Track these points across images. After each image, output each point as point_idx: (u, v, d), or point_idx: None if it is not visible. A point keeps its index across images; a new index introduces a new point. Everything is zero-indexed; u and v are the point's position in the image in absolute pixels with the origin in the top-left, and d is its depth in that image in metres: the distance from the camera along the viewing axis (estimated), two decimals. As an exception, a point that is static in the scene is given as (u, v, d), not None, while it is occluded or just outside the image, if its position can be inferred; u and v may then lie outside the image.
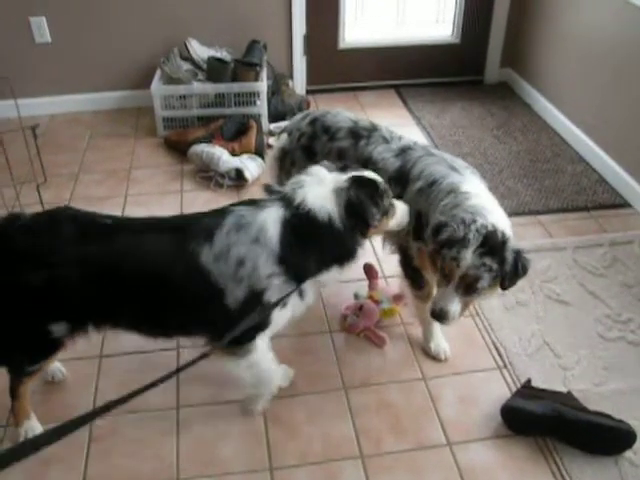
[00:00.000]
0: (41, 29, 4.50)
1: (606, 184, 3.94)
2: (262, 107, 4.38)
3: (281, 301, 2.05)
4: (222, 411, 2.45)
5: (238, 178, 3.87)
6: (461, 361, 2.77)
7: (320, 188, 2.06)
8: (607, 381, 2.66)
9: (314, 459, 2.30)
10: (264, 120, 4.40)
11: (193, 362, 1.82)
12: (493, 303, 3.04)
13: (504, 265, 2.11)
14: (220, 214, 2.06)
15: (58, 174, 4.01)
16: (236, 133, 4.21)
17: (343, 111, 2.81)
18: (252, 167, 3.93)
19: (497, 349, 2.83)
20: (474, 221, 2.11)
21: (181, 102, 4.36)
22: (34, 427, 2.33)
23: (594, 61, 4.08)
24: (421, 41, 5.06)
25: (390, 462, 2.32)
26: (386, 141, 2.58)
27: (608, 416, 2.41)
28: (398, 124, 4.46)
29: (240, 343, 2.12)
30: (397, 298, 2.97)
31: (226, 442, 2.36)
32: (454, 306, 2.17)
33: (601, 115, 4.05)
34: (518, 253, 2.15)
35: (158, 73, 4.48)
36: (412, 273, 2.62)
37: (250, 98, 4.34)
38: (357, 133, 2.63)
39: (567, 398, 2.48)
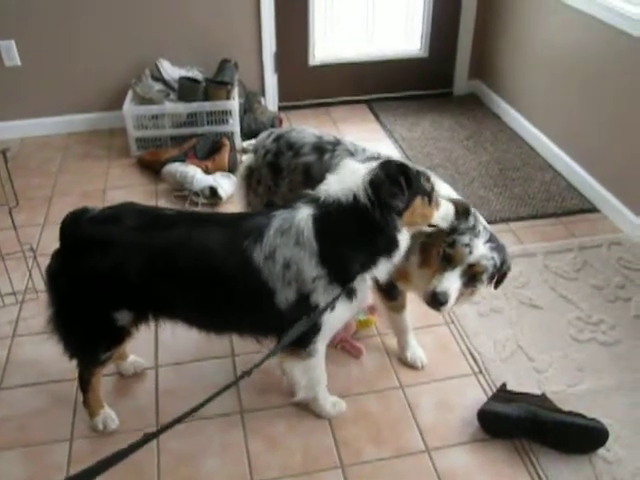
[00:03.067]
0: (10, 52, 4.52)
1: (574, 190, 4.04)
2: (234, 125, 4.44)
3: (328, 307, 2.08)
4: (201, 426, 2.48)
5: (212, 196, 3.93)
6: (437, 368, 2.83)
7: (347, 176, 2.08)
8: (580, 382, 2.73)
9: (295, 471, 2.33)
10: (237, 138, 4.46)
11: (261, 363, 1.89)
12: (467, 310, 3.11)
13: (504, 264, 2.27)
14: (265, 216, 2.12)
15: (31, 197, 4.02)
16: (209, 151, 4.27)
17: (307, 127, 2.87)
18: (226, 185, 3.99)
19: (472, 355, 2.90)
20: (479, 221, 2.27)
21: (154, 122, 4.41)
22: (110, 415, 2.47)
23: (561, 72, 4.19)
24: (390, 56, 5.17)
25: (370, 470, 2.36)
26: (351, 154, 2.62)
27: (581, 415, 2.48)
28: (371, 138, 4.56)
29: (301, 346, 2.19)
30: (373, 309, 3.03)
31: (206, 456, 2.38)
32: (455, 290, 2.22)
33: (569, 124, 4.15)
34: (508, 253, 2.35)
35: (130, 94, 4.52)
36: (385, 285, 2.62)
37: (222, 116, 4.41)
38: (321, 147, 2.68)
39: (542, 400, 2.54)
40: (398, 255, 2.12)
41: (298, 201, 2.13)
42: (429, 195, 2.12)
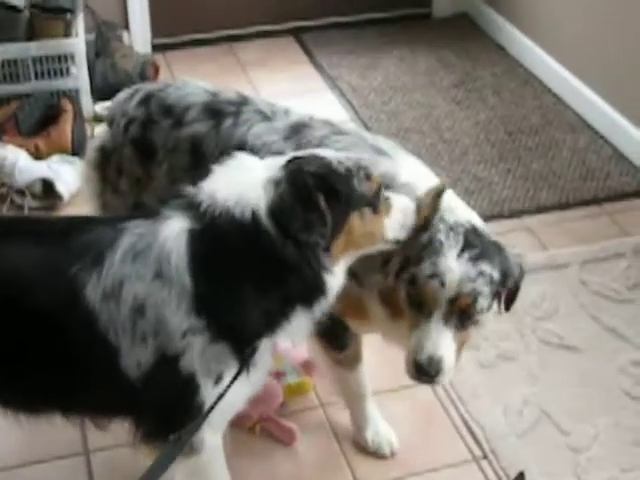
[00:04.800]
0: None
1: (625, 162, 4.16)
2: (80, 78, 4.43)
3: (221, 397, 2.13)
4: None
5: (46, 194, 3.93)
6: (417, 455, 2.89)
7: (241, 177, 2.14)
8: (641, 464, 2.85)
9: None
10: (85, 99, 4.44)
11: None
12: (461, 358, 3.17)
13: (507, 273, 2.32)
14: (110, 228, 2.14)
15: None
16: (40, 123, 4.25)
17: (193, 80, 2.91)
18: (68, 175, 3.99)
19: (471, 430, 2.96)
20: (441, 219, 2.30)
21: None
22: None
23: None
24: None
25: None
26: (266, 118, 2.67)
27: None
28: (301, 91, 4.61)
29: (180, 437, 2.16)
30: (309, 366, 3.08)
31: None
32: (448, 347, 2.27)
33: (616, 63, 4.27)
34: (517, 255, 2.39)
35: None
36: (329, 325, 2.56)
37: (59, 65, 4.39)
38: (218, 110, 2.71)
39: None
40: (325, 303, 2.17)
41: (165, 206, 2.16)
42: (373, 202, 2.18)
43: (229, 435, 2.85)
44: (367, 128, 4.32)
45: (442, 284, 2.21)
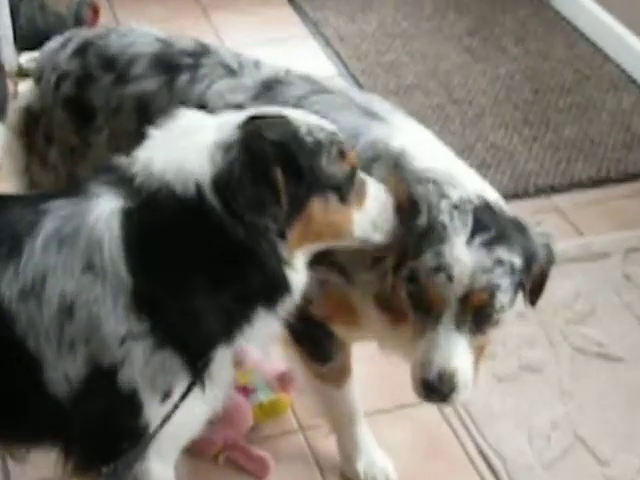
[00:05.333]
0: None
1: (680, 126, 4.15)
2: (1, 23, 4.37)
3: (169, 417, 2.09)
4: None
5: (-40, 168, 3.86)
6: None
7: (184, 142, 2.09)
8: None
9: None
10: (7, 49, 4.41)
11: None
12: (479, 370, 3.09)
13: (532, 258, 2.25)
14: (30, 210, 2.11)
15: None
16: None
17: (141, 26, 2.86)
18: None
19: (488, 461, 2.89)
20: (443, 195, 2.22)
21: None
22: None
23: None
24: None
25: None
26: (231, 72, 2.62)
27: None
28: (276, 38, 4.58)
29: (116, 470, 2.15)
30: (286, 380, 3.01)
31: None
32: (462, 357, 2.22)
33: None
34: (543, 234, 2.33)
35: None
36: (309, 331, 2.63)
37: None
38: (171, 63, 2.67)
39: None
40: (290, 302, 2.14)
41: (92, 181, 2.13)
42: (342, 188, 2.13)
43: (187, 466, 2.80)
44: (359, 85, 4.30)
45: (450, 278, 2.14)
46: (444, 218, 2.16)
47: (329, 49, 4.55)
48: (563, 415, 3.01)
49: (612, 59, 4.54)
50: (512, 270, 2.18)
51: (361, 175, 2.19)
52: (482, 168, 3.70)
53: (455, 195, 2.20)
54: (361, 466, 2.83)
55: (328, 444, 2.93)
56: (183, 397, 2.08)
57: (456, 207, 2.17)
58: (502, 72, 4.45)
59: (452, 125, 4.07)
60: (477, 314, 2.19)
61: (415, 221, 2.20)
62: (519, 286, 2.24)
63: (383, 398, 3.05)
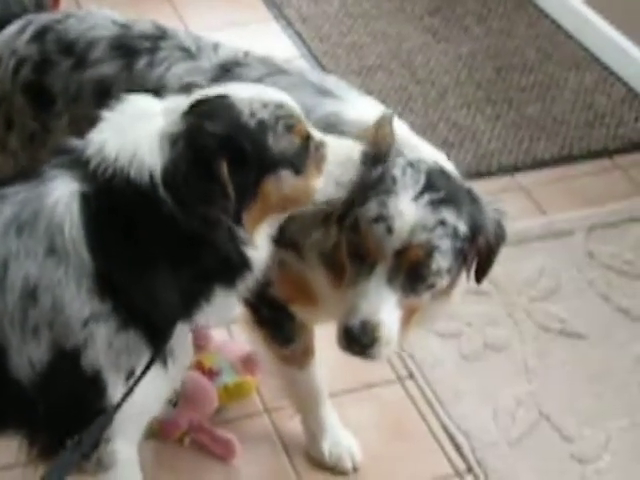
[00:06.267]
0: None
1: (640, 103, 4.18)
2: None
3: (130, 391, 2.09)
4: None
5: None
6: (385, 470, 2.85)
7: (135, 128, 2.09)
8: (661, 475, 2.80)
9: None
10: None
11: None
12: (437, 349, 3.12)
13: (479, 226, 2.25)
14: None
15: None
16: None
17: (101, 10, 2.85)
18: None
19: (453, 438, 2.91)
20: (400, 154, 2.27)
21: None
22: None
23: None
24: None
25: None
26: (190, 55, 2.62)
27: None
28: (238, 21, 4.57)
29: (85, 452, 2.15)
30: (250, 363, 3.02)
31: None
32: (389, 312, 2.21)
33: None
34: (496, 210, 2.33)
35: None
36: (270, 312, 2.67)
37: None
38: (130, 47, 2.67)
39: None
40: (251, 278, 2.15)
41: (49, 166, 2.13)
42: (294, 162, 2.12)
43: (151, 448, 2.91)
44: (321, 66, 4.31)
45: (389, 230, 2.15)
46: (396, 172, 2.18)
47: (291, 30, 4.57)
48: (528, 392, 3.03)
49: (574, 37, 4.56)
50: (455, 234, 2.19)
51: (318, 139, 2.18)
52: (445, 147, 3.57)
53: (410, 156, 2.24)
54: (326, 446, 2.85)
55: (293, 425, 2.94)
56: (145, 371, 2.08)
57: (411, 165, 2.20)
58: (464, 51, 4.46)
59: (415, 105, 4.08)
60: (411, 271, 2.19)
61: (370, 172, 2.21)
62: (461, 255, 2.23)
63: (348, 378, 3.05)
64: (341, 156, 2.20)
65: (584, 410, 2.98)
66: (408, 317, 2.25)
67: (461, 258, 2.24)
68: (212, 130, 2.03)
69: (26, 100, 2.76)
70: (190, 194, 1.99)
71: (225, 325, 3.20)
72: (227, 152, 2.01)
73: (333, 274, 2.36)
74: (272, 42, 4.37)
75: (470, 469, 2.83)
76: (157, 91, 2.56)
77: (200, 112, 2.08)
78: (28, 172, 2.18)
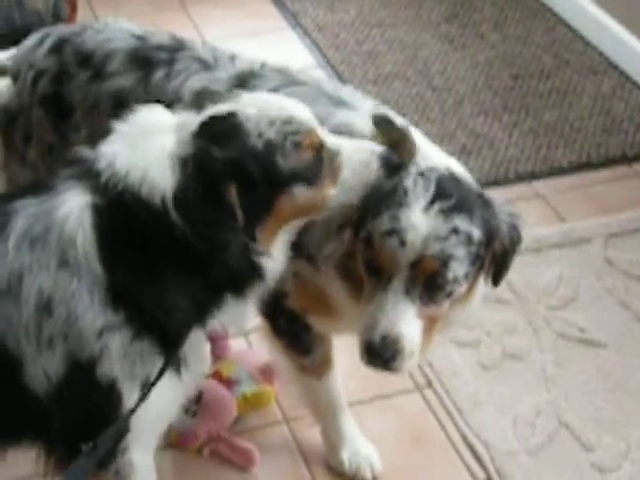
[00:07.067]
0: None
1: (661, 110, 4.16)
2: None
3: (144, 398, 2.10)
4: None
5: None
6: (406, 478, 2.86)
7: (146, 145, 2.09)
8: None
9: None
10: None
11: None
12: (456, 358, 3.12)
13: (493, 233, 2.24)
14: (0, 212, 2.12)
15: None
16: None
17: (118, 21, 2.86)
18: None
19: (472, 448, 2.90)
20: (412, 163, 2.26)
21: None
22: None
23: None
24: None
25: None
26: (207, 67, 2.62)
27: None
28: (256, 30, 4.57)
29: (103, 462, 2.17)
30: (269, 373, 3.02)
31: None
32: (409, 324, 2.21)
33: None
34: (510, 213, 2.31)
35: None
36: (287, 323, 2.67)
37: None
38: (147, 59, 2.67)
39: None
40: (261, 287, 2.17)
41: (59, 178, 2.14)
42: (306, 176, 2.12)
43: (170, 459, 2.91)
44: (338, 75, 4.31)
45: (402, 243, 2.14)
46: (408, 183, 2.17)
47: (308, 39, 4.58)
48: (547, 401, 3.03)
49: (591, 43, 4.55)
50: (469, 241, 2.18)
51: (333, 147, 2.17)
52: (462, 155, 3.71)
53: (424, 165, 2.22)
54: (346, 455, 2.85)
55: (312, 435, 2.95)
56: (158, 377, 2.09)
57: (422, 174, 2.19)
58: (481, 59, 4.46)
59: (432, 113, 4.07)
60: (428, 282, 2.18)
61: (388, 178, 2.21)
62: (477, 260, 2.23)
63: (366, 388, 3.05)
64: (358, 162, 2.20)
65: (604, 419, 2.98)
66: (431, 326, 2.25)
67: (478, 263, 2.23)
68: (219, 156, 2.04)
69: (44, 112, 2.77)
70: (200, 218, 2.01)
71: (243, 334, 3.21)
72: (235, 177, 2.03)
73: (351, 287, 2.36)
74: (288, 51, 4.39)
75: (489, 478, 2.84)
76: (174, 103, 2.59)
77: (208, 135, 2.07)
78: (39, 184, 2.19)
